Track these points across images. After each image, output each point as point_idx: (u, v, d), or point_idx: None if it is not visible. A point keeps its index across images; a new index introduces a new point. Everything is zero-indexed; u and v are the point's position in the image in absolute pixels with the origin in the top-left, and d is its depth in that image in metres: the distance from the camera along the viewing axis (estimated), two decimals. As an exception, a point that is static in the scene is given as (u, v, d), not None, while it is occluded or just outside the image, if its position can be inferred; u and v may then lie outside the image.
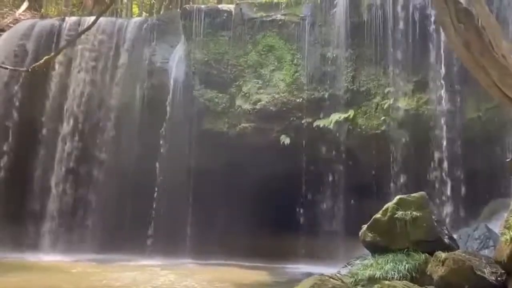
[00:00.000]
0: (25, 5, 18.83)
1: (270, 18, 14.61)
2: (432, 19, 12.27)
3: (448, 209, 11.83)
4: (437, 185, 12.13)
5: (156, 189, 14.45)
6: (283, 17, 14.57)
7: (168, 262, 12.86)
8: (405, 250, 7.21)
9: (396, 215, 7.47)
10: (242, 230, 13.70)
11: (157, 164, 14.46)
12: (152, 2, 22.82)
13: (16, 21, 17.44)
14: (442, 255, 6.47)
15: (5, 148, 15.17)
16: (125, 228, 14.00)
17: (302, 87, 14.07)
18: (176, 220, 14.01)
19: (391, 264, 6.94)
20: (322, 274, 6.90)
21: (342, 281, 6.74)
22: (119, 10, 21.97)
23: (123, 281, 9.81)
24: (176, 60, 15.14)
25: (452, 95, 12.22)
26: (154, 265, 12.42)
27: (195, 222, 14.15)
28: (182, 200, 14.20)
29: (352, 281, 6.84)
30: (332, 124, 13.55)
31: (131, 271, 11.22)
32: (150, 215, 14.40)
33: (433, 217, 7.55)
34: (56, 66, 15.45)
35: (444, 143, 12.17)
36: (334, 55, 13.85)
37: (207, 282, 9.84)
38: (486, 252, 7.81)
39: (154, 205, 14.43)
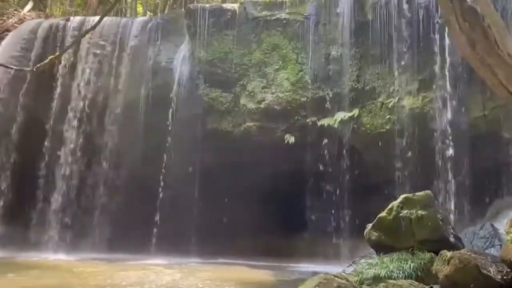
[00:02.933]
0: (29, 5, 18.90)
1: (275, 17, 14.61)
2: (437, 17, 12.23)
3: (453, 207, 11.80)
4: (442, 184, 12.10)
5: (161, 188, 14.48)
6: (287, 16, 14.57)
7: (173, 261, 12.88)
8: (410, 249, 7.18)
9: (401, 214, 7.44)
10: (247, 229, 13.72)
11: (162, 163, 14.48)
12: (156, 1, 22.85)
13: (21, 21, 17.50)
14: (447, 254, 6.45)
15: (10, 149, 15.24)
16: (130, 227, 14.03)
17: (307, 86, 14.06)
18: (181, 219, 14.03)
19: (396, 263, 6.92)
20: (327, 273, 6.90)
21: (347, 280, 6.72)
22: (123, 9, 22.03)
23: (129, 280, 9.82)
24: (180, 59, 15.16)
25: (457, 93, 12.18)
26: (159, 264, 12.43)
27: (200, 221, 14.16)
28: (187, 199, 14.23)
29: (357, 280, 6.82)
30: (336, 123, 13.55)
31: (136, 270, 11.23)
32: (155, 214, 14.43)
33: (439, 216, 7.52)
34: (61, 66, 15.50)
35: (449, 142, 12.13)
36: (339, 54, 13.84)
37: (211, 281, 9.83)
38: (492, 251, 7.79)
39: (159, 204, 14.47)
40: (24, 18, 17.83)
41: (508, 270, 6.17)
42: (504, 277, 6.11)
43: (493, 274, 6.10)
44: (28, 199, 14.99)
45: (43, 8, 19.95)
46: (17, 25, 17.25)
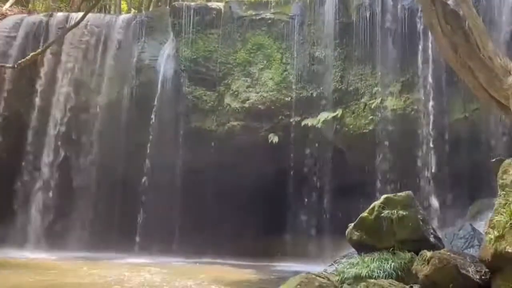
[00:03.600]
0: (11, 0, 18.64)
1: (260, 17, 14.64)
2: (420, 20, 12.35)
3: (434, 208, 11.93)
4: (423, 185, 12.23)
5: (144, 186, 14.42)
6: (272, 16, 14.60)
7: (156, 260, 12.81)
8: (391, 249, 7.26)
9: (382, 214, 7.51)
10: (230, 229, 13.72)
11: (145, 162, 14.42)
12: (141, -2, 22.72)
13: (3, 16, 17.24)
14: (427, 254, 6.53)
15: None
16: (113, 226, 13.94)
17: (291, 86, 14.12)
18: (164, 218, 13.97)
19: (377, 262, 6.99)
20: (309, 273, 6.94)
21: (328, 279, 6.78)
22: (107, 6, 21.86)
23: (105, 278, 9.70)
24: (164, 57, 15.09)
25: (439, 95, 12.33)
26: (141, 263, 12.35)
27: (183, 220, 14.12)
28: (170, 198, 14.17)
29: (338, 279, 6.88)
30: (320, 123, 13.62)
31: (116, 269, 11.10)
32: (138, 213, 14.36)
33: (419, 216, 7.60)
34: (44, 63, 15.33)
35: (431, 143, 12.28)
36: (323, 55, 13.91)
37: (193, 280, 9.81)
38: (471, 251, 7.91)
39: (142, 203, 14.40)
40: (6, 13, 17.57)
41: (487, 270, 6.27)
42: (483, 277, 6.21)
43: (472, 274, 6.19)
44: (8, 197, 14.78)
45: (25, 3, 19.70)
46: (-2, 20, 17.00)
